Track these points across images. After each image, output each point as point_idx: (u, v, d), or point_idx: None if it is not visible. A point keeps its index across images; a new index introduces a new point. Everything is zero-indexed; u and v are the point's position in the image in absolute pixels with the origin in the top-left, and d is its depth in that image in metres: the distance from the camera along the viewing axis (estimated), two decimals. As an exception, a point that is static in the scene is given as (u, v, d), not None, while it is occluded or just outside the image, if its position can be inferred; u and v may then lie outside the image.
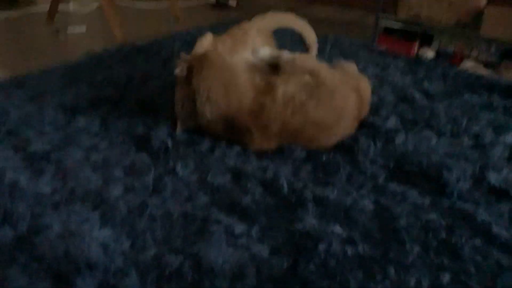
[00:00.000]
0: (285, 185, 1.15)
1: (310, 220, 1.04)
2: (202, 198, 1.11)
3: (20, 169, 1.18)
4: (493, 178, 1.23)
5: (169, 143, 1.31)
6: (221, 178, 1.18)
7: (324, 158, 1.29)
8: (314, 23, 2.87)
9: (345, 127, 1.37)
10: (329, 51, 2.16)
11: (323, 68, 1.41)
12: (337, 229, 1.03)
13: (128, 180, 1.16)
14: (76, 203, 1.07)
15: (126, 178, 1.17)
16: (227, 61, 1.35)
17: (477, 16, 2.14)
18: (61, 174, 1.16)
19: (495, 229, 1.05)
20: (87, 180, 1.14)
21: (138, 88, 1.66)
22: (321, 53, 2.11)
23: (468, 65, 2.15)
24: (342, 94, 1.35)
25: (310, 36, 1.62)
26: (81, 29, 2.48)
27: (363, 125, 1.46)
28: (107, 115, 1.47)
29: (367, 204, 1.11)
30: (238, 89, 1.30)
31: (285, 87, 1.30)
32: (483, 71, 2.10)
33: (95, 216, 1.02)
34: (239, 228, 1.01)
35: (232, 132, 1.32)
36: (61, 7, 2.67)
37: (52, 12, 2.56)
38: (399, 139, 1.40)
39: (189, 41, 2.13)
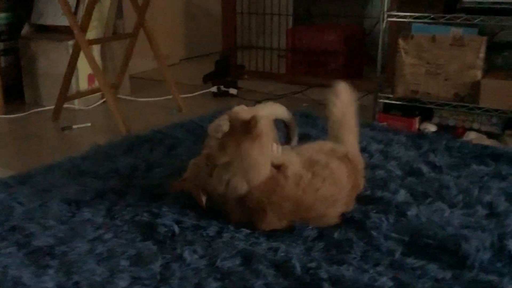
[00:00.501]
0: (298, 266, 1.11)
1: (327, 302, 0.99)
2: (212, 284, 1.06)
3: (23, 265, 1.14)
4: (513, 247, 1.19)
5: (176, 230, 1.27)
6: (231, 262, 1.14)
7: (336, 236, 1.25)
8: (314, 105, 2.93)
9: (346, 197, 1.37)
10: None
11: (310, 148, 1.47)
12: (357, 309, 0.97)
13: (135, 270, 1.12)
14: (80, 297, 1.02)
15: (132, 268, 1.13)
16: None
17: (475, 89, 2.18)
18: (65, 268, 1.12)
19: (524, 300, 1.00)
20: (92, 273, 1.10)
21: (143, 177, 1.65)
22: (323, 133, 2.13)
23: (471, 136, 2.16)
24: (335, 166, 1.39)
25: (295, 129, 1.65)
26: (86, 125, 2.52)
27: (372, 201, 1.44)
28: (112, 206, 1.44)
29: (386, 281, 1.06)
30: (262, 167, 1.31)
31: (292, 167, 1.34)
32: (487, 142, 2.10)
33: (101, 310, 0.97)
34: (253, 314, 0.95)
35: (243, 210, 1.30)
36: (66, 105, 2.73)
37: (58, 110, 2.62)
38: (412, 212, 1.36)
39: (192, 129, 2.16)
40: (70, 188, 1.56)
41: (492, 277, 1.08)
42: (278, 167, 1.33)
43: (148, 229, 1.29)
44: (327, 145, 1.51)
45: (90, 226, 1.32)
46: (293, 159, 1.38)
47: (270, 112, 1.55)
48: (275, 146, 1.38)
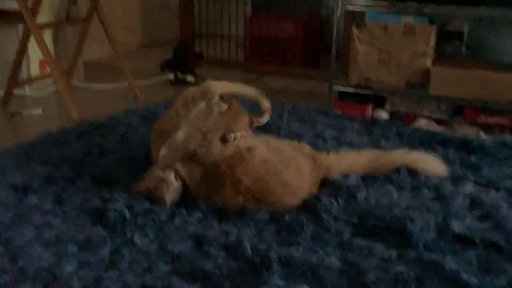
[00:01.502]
0: (249, 248, 1.12)
1: (276, 282, 1.00)
2: (162, 268, 1.06)
3: (-34, 253, 1.10)
4: (456, 227, 1.23)
5: (127, 214, 1.26)
6: (182, 246, 1.14)
7: (287, 218, 1.27)
8: (271, 93, 2.94)
9: (305, 191, 1.38)
10: (287, 117, 2.19)
11: (276, 141, 1.51)
12: (305, 288, 0.98)
13: (82, 255, 1.10)
14: (26, 282, 1.00)
15: (80, 253, 1.11)
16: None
17: (425, 77, 2.24)
18: (11, 254, 1.09)
19: (464, 277, 1.04)
20: (38, 258, 1.08)
21: (94, 164, 1.62)
22: (279, 119, 2.15)
23: (422, 123, 2.22)
24: (301, 158, 1.42)
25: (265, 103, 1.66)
26: (37, 111, 2.46)
27: (324, 184, 1.46)
28: (61, 192, 1.42)
29: (334, 261, 1.08)
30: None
31: (261, 149, 1.38)
32: (436, 128, 2.17)
33: (46, 294, 0.95)
34: (202, 295, 0.96)
35: (205, 181, 1.33)
36: (17, 91, 2.65)
37: (7, 96, 2.54)
38: (361, 195, 1.39)
39: (146, 116, 2.13)
40: (18, 175, 1.52)
41: (435, 256, 1.11)
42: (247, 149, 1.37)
43: (98, 214, 1.27)
44: (293, 142, 1.56)
45: (37, 212, 1.29)
46: (262, 145, 1.41)
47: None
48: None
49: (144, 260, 1.09)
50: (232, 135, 1.38)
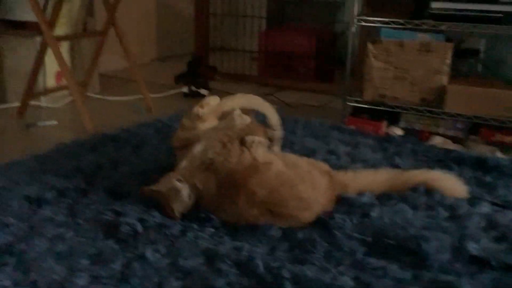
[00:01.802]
0: (261, 265, 1.11)
1: (288, 300, 0.99)
2: (173, 283, 1.05)
3: (-21, 263, 1.11)
4: (472, 248, 1.21)
5: (139, 228, 1.26)
6: (194, 261, 1.13)
7: (300, 236, 1.26)
8: (284, 108, 2.94)
9: (321, 207, 1.37)
10: (301, 132, 2.19)
11: (293, 156, 1.52)
12: (317, 308, 0.97)
13: (94, 269, 1.10)
14: (37, 296, 1.00)
15: (92, 267, 1.11)
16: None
17: (441, 94, 2.22)
18: (23, 266, 1.09)
19: (480, 299, 1.02)
20: (51, 271, 1.08)
21: (107, 176, 1.63)
22: (292, 135, 2.14)
23: (437, 141, 2.20)
24: (317, 174, 1.42)
25: (274, 117, 1.66)
26: (52, 122, 2.47)
27: (338, 202, 1.45)
28: (74, 204, 1.42)
29: (347, 280, 1.07)
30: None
31: (277, 164, 1.38)
32: (451, 146, 2.14)
33: (57, 308, 0.95)
34: (213, 313, 0.95)
35: (220, 191, 1.32)
36: (33, 102, 2.68)
37: (23, 107, 2.57)
38: (375, 213, 1.38)
39: (160, 129, 2.14)
40: (31, 186, 1.53)
41: (451, 278, 1.09)
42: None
43: (110, 227, 1.27)
44: (310, 159, 1.55)
45: (50, 224, 1.30)
46: (279, 160, 1.41)
47: (234, 103, 1.57)
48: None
49: (155, 275, 1.08)
50: (251, 137, 1.39)
